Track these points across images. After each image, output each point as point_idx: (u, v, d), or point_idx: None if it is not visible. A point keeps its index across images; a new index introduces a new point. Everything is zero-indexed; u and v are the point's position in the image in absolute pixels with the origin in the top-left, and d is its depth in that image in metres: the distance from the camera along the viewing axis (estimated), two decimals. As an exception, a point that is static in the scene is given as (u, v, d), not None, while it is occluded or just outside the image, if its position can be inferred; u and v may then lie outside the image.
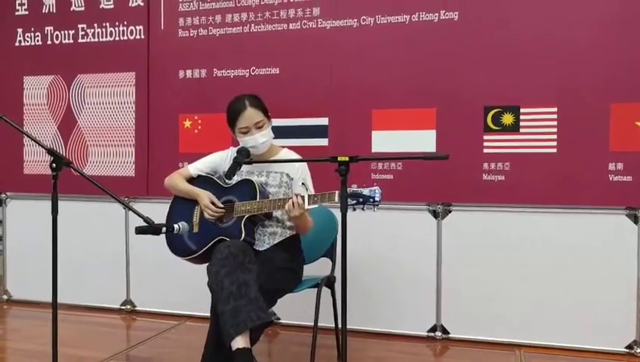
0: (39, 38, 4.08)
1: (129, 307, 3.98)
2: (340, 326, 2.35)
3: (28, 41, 4.11)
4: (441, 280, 3.36)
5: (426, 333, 3.40)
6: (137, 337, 3.46)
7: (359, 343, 3.31)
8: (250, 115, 2.63)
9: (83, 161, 4.01)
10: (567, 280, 3.15)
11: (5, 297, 4.27)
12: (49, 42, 4.06)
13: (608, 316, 3.08)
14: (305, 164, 2.75)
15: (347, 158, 2.14)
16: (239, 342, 2.25)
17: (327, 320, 2.98)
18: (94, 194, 3.66)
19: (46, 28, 4.06)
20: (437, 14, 3.30)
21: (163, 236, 2.64)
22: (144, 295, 3.96)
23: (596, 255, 3.11)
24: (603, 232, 3.11)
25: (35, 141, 2.41)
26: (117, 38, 3.91)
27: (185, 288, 3.62)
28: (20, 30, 4.12)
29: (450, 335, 3.37)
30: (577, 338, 3.14)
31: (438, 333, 3.37)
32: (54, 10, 4.05)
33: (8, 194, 4.22)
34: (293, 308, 3.26)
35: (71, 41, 4.01)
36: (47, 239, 3.91)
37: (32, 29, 4.09)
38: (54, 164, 2.35)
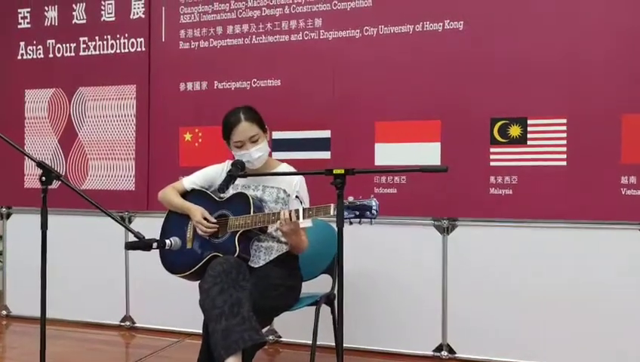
0: (41, 51, 4.05)
1: (128, 323, 3.90)
2: (345, 344, 2.26)
3: (30, 55, 4.09)
4: (447, 297, 3.24)
5: (432, 353, 3.27)
6: (134, 355, 3.38)
7: (360, 362, 3.21)
8: (245, 128, 2.56)
9: (83, 175, 3.96)
10: (579, 299, 3.02)
11: (4, 313, 4.21)
12: (51, 55, 4.03)
13: (624, 338, 2.94)
14: (302, 179, 2.66)
15: (343, 171, 2.05)
16: (230, 364, 2.15)
17: (329, 338, 2.88)
18: (94, 209, 3.58)
19: (48, 41, 4.03)
20: (441, 24, 3.22)
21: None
22: (144, 311, 3.87)
23: (609, 272, 2.97)
24: (616, 249, 2.97)
25: (24, 154, 2.34)
26: (118, 51, 3.87)
27: (185, 304, 3.50)
28: (22, 43, 4.10)
29: (456, 355, 3.24)
30: (597, 360, 2.99)
31: (444, 353, 3.25)
32: (56, 23, 4.02)
33: (9, 208, 4.18)
34: (295, 326, 3.18)
35: (72, 53, 3.98)
36: (49, 253, 3.87)
37: (34, 42, 4.07)
38: (44, 178, 2.28)
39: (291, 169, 2.72)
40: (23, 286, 4.08)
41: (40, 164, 2.28)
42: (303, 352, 3.38)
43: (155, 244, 2.24)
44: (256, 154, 2.57)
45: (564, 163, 3.04)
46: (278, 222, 2.34)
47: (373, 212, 2.16)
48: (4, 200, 4.20)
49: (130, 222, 3.85)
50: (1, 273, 4.40)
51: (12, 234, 4.17)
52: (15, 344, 3.68)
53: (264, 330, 2.68)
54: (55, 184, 3.92)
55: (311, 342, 3.26)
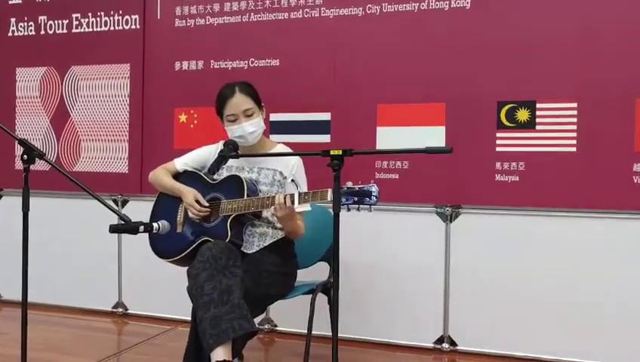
0: (32, 28, 3.92)
1: (121, 310, 3.80)
2: (340, 334, 2.15)
3: (21, 31, 3.95)
4: (449, 287, 3.13)
5: (432, 345, 3.16)
6: (126, 343, 3.28)
7: (360, 354, 3.10)
8: (239, 101, 2.43)
9: (75, 157, 3.84)
10: (587, 291, 2.90)
11: (-5, 297, 4.12)
12: (42, 32, 3.90)
13: (634, 330, 2.82)
14: (300, 161, 2.53)
15: (340, 152, 1.92)
16: (219, 354, 2.04)
17: (326, 329, 2.76)
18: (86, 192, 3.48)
19: (40, 17, 3.89)
20: (447, 2, 3.07)
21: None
22: (137, 297, 3.77)
23: (619, 263, 2.85)
24: (627, 238, 2.85)
25: (5, 131, 2.21)
26: (112, 28, 3.73)
27: (179, 291, 3.34)
28: (13, 20, 3.96)
29: (458, 348, 3.13)
30: (601, 354, 2.87)
31: (445, 345, 3.14)
32: (48, -1, 3.89)
33: (0, 191, 4.07)
34: (291, 315, 3.07)
35: (65, 30, 3.85)
36: (41, 237, 3.77)
37: (26, 18, 3.93)
38: (25, 156, 2.16)
39: (288, 150, 2.58)
40: (14, 270, 3.97)
41: (22, 142, 2.17)
42: (298, 342, 3.26)
43: (142, 228, 2.13)
44: (250, 128, 2.44)
45: (573, 149, 2.91)
46: (273, 207, 2.22)
47: (373, 198, 2.03)
48: (-6, 182, 4.09)
49: (123, 205, 3.74)
50: (-9, 256, 4.30)
51: (2, 217, 4.06)
52: (5, 329, 3.57)
53: (257, 319, 2.58)
54: (46, 165, 3.85)
55: (305, 331, 3.21)
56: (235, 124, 2.44)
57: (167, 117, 3.62)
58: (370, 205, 2.04)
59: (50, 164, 2.21)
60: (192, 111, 3.56)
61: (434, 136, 3.09)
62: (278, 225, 2.45)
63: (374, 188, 2.03)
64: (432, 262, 3.14)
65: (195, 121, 3.56)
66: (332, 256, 1.91)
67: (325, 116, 3.29)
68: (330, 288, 2.69)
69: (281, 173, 2.49)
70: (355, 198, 2.03)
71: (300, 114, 3.33)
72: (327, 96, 3.28)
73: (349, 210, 2.04)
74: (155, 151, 3.62)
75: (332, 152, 1.93)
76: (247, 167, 2.52)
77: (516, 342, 3.01)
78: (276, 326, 3.45)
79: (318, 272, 2.83)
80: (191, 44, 3.56)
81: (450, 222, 3.12)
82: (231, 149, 2.35)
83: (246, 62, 3.45)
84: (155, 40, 3.66)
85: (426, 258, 3.15)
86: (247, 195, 2.34)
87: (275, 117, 3.33)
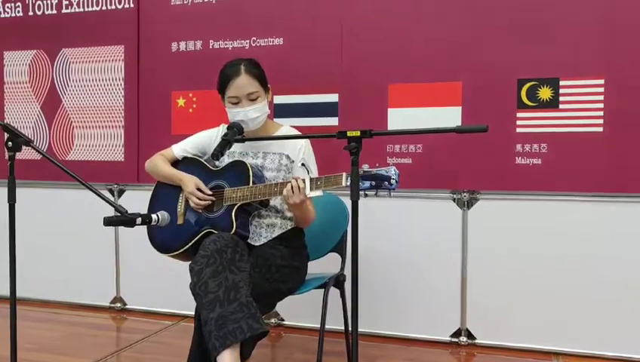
0: (20, 9, 3.70)
1: (119, 305, 3.62)
2: (350, 329, 2.00)
3: (8, 12, 3.73)
4: (466, 278, 2.95)
5: (449, 338, 3.00)
6: (125, 340, 3.10)
7: (373, 349, 2.93)
8: (243, 83, 2.22)
9: (69, 145, 3.65)
10: (614, 280, 2.73)
11: (-12, 294, 3.93)
12: (30, 13, 3.68)
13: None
14: (308, 143, 2.34)
15: (358, 133, 1.73)
16: (226, 358, 1.85)
17: (336, 322, 2.60)
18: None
19: (28, -3, 3.69)
20: (463, -27, 2.87)
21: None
22: (136, 292, 3.60)
23: (649, 251, 2.68)
24: (657, 225, 2.67)
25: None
26: (104, 8, 3.52)
27: (181, 285, 3.20)
28: (-1, 0, 3.75)
29: (476, 341, 2.97)
30: (626, 347, 2.72)
31: (463, 338, 2.98)
32: (36, -23, 3.67)
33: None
34: (298, 308, 2.91)
35: (54, 11, 3.63)
36: (34, 230, 3.59)
37: (13, -2, 3.72)
38: (10, 143, 1.97)
39: (295, 132, 2.39)
40: (5, 265, 3.81)
41: (5, 128, 1.98)
42: (307, 336, 3.12)
43: (139, 220, 1.93)
44: (253, 114, 2.24)
45: (600, 129, 2.73)
46: (285, 190, 2.02)
47: (392, 182, 1.84)
48: (-17, 172, 3.89)
49: (120, 195, 3.55)
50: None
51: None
52: (-4, 327, 3.40)
53: (265, 317, 2.41)
54: (38, 154, 3.65)
55: (314, 325, 3.05)
56: (237, 107, 2.24)
57: (165, 101, 3.42)
58: (390, 190, 1.85)
59: (37, 151, 2.02)
60: (190, 95, 3.37)
61: (449, 118, 2.91)
62: (288, 214, 2.27)
63: (393, 172, 1.85)
64: (448, 251, 2.97)
65: (194, 105, 3.36)
66: (351, 248, 1.72)
67: (333, 98, 3.10)
68: (343, 281, 2.52)
69: (288, 156, 2.29)
70: (373, 183, 1.85)
71: (305, 95, 3.14)
72: (335, 77, 3.09)
73: (366, 195, 1.85)
74: (152, 138, 3.43)
75: (349, 134, 1.74)
76: (251, 152, 2.32)
77: (538, 334, 2.86)
78: (283, 320, 3.28)
79: (327, 264, 2.66)
80: (188, 23, 3.35)
81: (468, 208, 2.94)
82: (235, 133, 2.14)
83: (247, 41, 3.24)
84: (150, 19, 3.45)
85: (441, 247, 2.98)
86: (253, 182, 2.15)
87: (279, 99, 3.13)
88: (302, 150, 2.30)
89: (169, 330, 3.26)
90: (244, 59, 2.30)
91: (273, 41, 3.20)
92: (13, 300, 1.99)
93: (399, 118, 2.99)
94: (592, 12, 2.70)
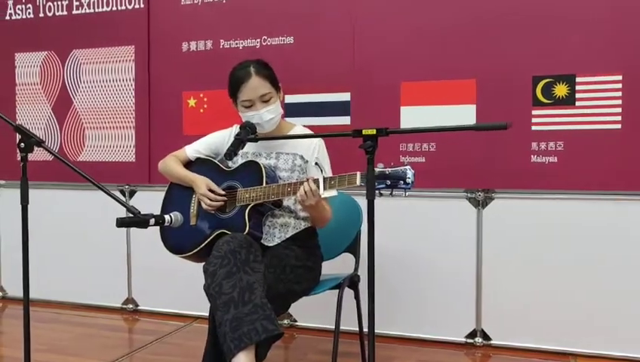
0: (31, 11, 3.70)
1: (131, 306, 3.61)
2: (364, 329, 1.97)
3: (19, 14, 3.73)
4: (481, 278, 2.92)
5: (464, 339, 2.96)
6: (137, 341, 3.09)
7: (387, 350, 2.90)
8: (255, 85, 2.20)
9: (80, 146, 3.64)
10: (633, 280, 2.68)
11: (0, 294, 3.94)
12: (41, 15, 3.68)
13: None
14: (322, 142, 2.31)
15: (374, 131, 1.70)
16: (241, 360, 1.83)
17: (349, 323, 2.57)
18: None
19: (38, -1, 3.68)
20: (477, -31, 2.83)
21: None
22: (148, 293, 3.58)
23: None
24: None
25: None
26: (114, 9, 3.51)
27: (193, 285, 3.19)
28: (10, 2, 3.75)
29: (491, 342, 2.93)
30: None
31: (478, 339, 2.94)
32: (46, -21, 3.67)
33: (1, 182, 3.88)
34: (310, 309, 2.86)
35: (65, 12, 3.62)
36: (46, 232, 3.58)
37: (24, 0, 3.71)
38: (22, 144, 1.96)
39: (308, 131, 2.36)
40: (19, 266, 3.81)
41: (18, 129, 1.97)
42: (320, 338, 3.09)
43: (152, 221, 1.91)
44: (268, 116, 2.22)
45: (618, 126, 2.68)
46: (298, 193, 2.00)
47: (408, 181, 1.81)
48: (-5, 173, 3.90)
49: (131, 196, 3.54)
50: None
51: (5, 211, 3.88)
52: (7, 328, 3.40)
53: (278, 319, 2.38)
54: (49, 156, 3.64)
55: (327, 326, 3.04)
56: (250, 111, 2.22)
57: (176, 101, 3.40)
58: (405, 189, 1.82)
59: (49, 151, 2.01)
60: (201, 95, 3.35)
61: (463, 116, 2.87)
62: (301, 214, 2.24)
63: (409, 172, 1.82)
64: (462, 251, 2.93)
65: (205, 105, 3.34)
66: (367, 248, 1.69)
67: (344, 96, 3.07)
68: (357, 282, 2.49)
69: (302, 156, 2.27)
70: (388, 182, 1.82)
71: (317, 95, 3.11)
72: (347, 75, 3.05)
73: (381, 195, 1.82)
74: (163, 138, 3.42)
75: (364, 132, 1.71)
76: (264, 153, 2.30)
77: (554, 335, 2.81)
78: (296, 321, 3.26)
79: (340, 265, 2.63)
80: (199, 22, 3.33)
81: (482, 207, 2.90)
82: (248, 132, 2.12)
83: (258, 40, 3.22)
84: (160, 19, 3.43)
85: (456, 247, 2.94)
86: (266, 183, 2.13)
87: (290, 98, 3.11)
88: (315, 149, 2.27)
89: (181, 331, 3.25)
90: (253, 60, 2.27)
91: (284, 40, 3.17)
92: (26, 301, 1.98)
93: (412, 117, 2.96)
94: (608, 6, 2.65)
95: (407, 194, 1.86)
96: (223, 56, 3.24)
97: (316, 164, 2.01)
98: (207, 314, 2.11)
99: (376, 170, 1.80)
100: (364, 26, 3.02)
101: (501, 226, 2.87)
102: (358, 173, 1.90)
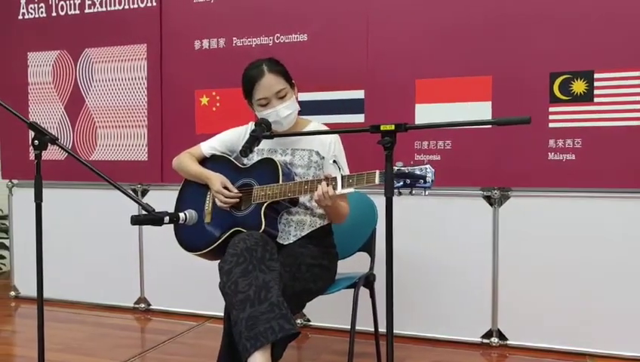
0: (43, 10, 3.70)
1: (143, 306, 3.60)
2: (380, 329, 1.93)
3: (32, 14, 3.73)
4: (497, 277, 2.88)
5: (480, 339, 2.93)
6: (150, 341, 3.07)
7: (402, 350, 2.87)
8: (270, 82, 2.17)
9: (92, 145, 3.63)
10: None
11: (13, 294, 3.94)
12: (54, 14, 3.68)
13: None
14: (338, 139, 2.29)
15: (393, 127, 1.67)
16: (257, 359, 1.80)
17: (364, 323, 2.54)
18: (105, 182, 3.29)
19: (50, -2, 3.68)
20: (492, -36, 2.79)
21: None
22: (160, 292, 3.57)
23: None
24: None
25: (13, 113, 2.00)
26: (126, 7, 3.50)
27: (206, 284, 3.17)
28: (23, 1, 3.74)
29: (508, 342, 2.89)
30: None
31: (494, 339, 2.90)
32: (59, -22, 3.66)
33: (15, 182, 3.88)
34: (325, 309, 2.84)
35: (77, 11, 3.62)
36: (59, 231, 3.58)
37: (36, -1, 3.72)
38: (36, 142, 1.94)
39: (323, 127, 2.34)
40: (32, 265, 3.81)
41: (32, 126, 1.95)
42: (334, 338, 3.06)
43: (167, 218, 1.89)
44: (285, 112, 2.19)
45: (637, 123, 2.64)
46: (315, 194, 1.97)
47: (428, 181, 1.78)
48: (8, 173, 3.89)
49: (143, 195, 3.53)
50: (8, 252, 4.14)
51: (19, 211, 3.88)
52: (21, 328, 3.39)
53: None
54: (62, 155, 3.64)
55: (341, 326, 3.04)
56: (267, 109, 2.19)
57: (188, 100, 3.39)
58: (425, 188, 1.79)
59: (63, 149, 1.99)
60: (214, 93, 3.33)
61: (479, 113, 2.83)
62: (318, 211, 2.22)
63: (430, 171, 1.78)
64: (478, 249, 2.89)
65: (218, 104, 3.32)
66: (386, 246, 1.66)
67: (358, 94, 3.04)
68: (372, 281, 2.46)
69: (318, 153, 2.25)
70: (407, 181, 1.79)
71: (330, 92, 3.09)
72: (361, 73, 3.03)
73: (400, 193, 1.79)
74: (175, 137, 3.40)
75: (383, 128, 1.68)
76: (279, 149, 2.28)
77: (571, 335, 2.77)
78: (309, 321, 3.23)
79: (353, 263, 2.60)
80: (211, 20, 3.32)
81: (499, 206, 2.87)
82: (264, 129, 2.10)
83: (271, 38, 3.20)
84: (173, 17, 3.42)
85: (472, 245, 2.90)
86: (282, 180, 2.11)
87: (304, 96, 3.08)
88: (332, 146, 2.25)
89: (194, 331, 3.23)
90: (264, 59, 2.25)
91: (297, 38, 3.15)
92: (40, 300, 1.96)
93: (427, 114, 2.92)
94: (627, 1, 2.61)
95: (427, 193, 1.82)
96: (235, 54, 3.22)
97: (334, 162, 1.98)
98: (220, 313, 2.09)
99: (395, 169, 1.77)
100: (378, 22, 2.99)
101: (517, 225, 2.84)
102: (377, 172, 1.87)
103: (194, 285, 3.35)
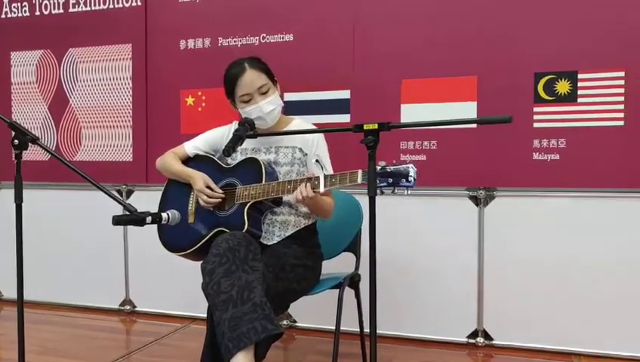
0: (27, 9, 3.66)
1: (128, 308, 3.57)
2: (365, 330, 1.92)
3: (15, 12, 3.69)
4: (483, 277, 2.88)
5: (466, 339, 2.93)
6: (135, 343, 3.05)
7: (388, 350, 2.86)
8: (251, 78, 2.17)
9: (76, 145, 3.60)
10: (635, 279, 2.65)
11: (-4, 296, 3.90)
12: (37, 13, 3.64)
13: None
14: (322, 137, 2.28)
15: (376, 126, 1.66)
16: (240, 360, 1.79)
17: (349, 323, 2.53)
18: (89, 183, 3.26)
19: (34, -4, 3.65)
20: (477, -35, 2.80)
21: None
22: (145, 294, 3.55)
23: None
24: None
25: (-8, 113, 1.97)
26: (111, 6, 3.47)
27: (191, 286, 3.14)
28: (5, 0, 3.70)
29: (493, 342, 2.90)
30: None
31: (480, 339, 2.90)
32: (42, -24, 3.63)
33: (-2, 183, 3.85)
34: (310, 309, 2.83)
35: (61, 10, 3.59)
36: (42, 232, 3.54)
37: (19, -2, 3.69)
38: (16, 141, 1.92)
39: (307, 125, 2.33)
40: (14, 267, 3.77)
41: (12, 125, 1.93)
42: (320, 339, 3.05)
43: (149, 219, 1.87)
44: (268, 107, 2.19)
45: (621, 123, 2.65)
46: (295, 193, 1.96)
47: (410, 179, 1.77)
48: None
49: (128, 196, 3.50)
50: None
51: (3, 211, 3.83)
52: (3, 330, 3.35)
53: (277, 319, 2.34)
54: (45, 155, 3.60)
55: (326, 327, 3.02)
56: (250, 105, 2.18)
57: (173, 100, 3.37)
58: (408, 187, 1.79)
59: (44, 148, 1.96)
60: (199, 93, 3.31)
61: (464, 113, 2.84)
62: (302, 210, 2.21)
63: (412, 170, 1.78)
64: (464, 249, 2.89)
65: (203, 104, 3.30)
66: (369, 245, 1.65)
67: (344, 94, 3.04)
68: (357, 281, 2.45)
69: (301, 149, 2.24)
70: (390, 180, 1.79)
71: (316, 92, 3.08)
72: (347, 73, 3.02)
73: (382, 193, 1.79)
74: (160, 137, 3.38)
75: (366, 127, 1.67)
76: (263, 148, 2.27)
77: (557, 335, 2.78)
78: (295, 321, 3.22)
79: (339, 264, 2.59)
80: (197, 20, 3.30)
81: (484, 206, 2.87)
82: (247, 128, 2.09)
83: (257, 38, 3.19)
84: (158, 17, 3.40)
85: (457, 245, 2.90)
86: (265, 180, 2.09)
87: (290, 96, 3.07)
88: (314, 143, 2.24)
89: (179, 333, 3.21)
90: (245, 57, 2.25)
91: (283, 38, 3.14)
92: (20, 303, 1.93)
93: (413, 114, 2.92)
94: (611, 2, 2.62)
95: (409, 192, 1.82)
96: (221, 54, 3.21)
97: (317, 161, 1.97)
98: (205, 315, 2.07)
99: (378, 168, 1.76)
100: (364, 22, 2.99)
101: (503, 224, 2.84)
102: (360, 171, 1.86)
103: (179, 287, 3.32)
